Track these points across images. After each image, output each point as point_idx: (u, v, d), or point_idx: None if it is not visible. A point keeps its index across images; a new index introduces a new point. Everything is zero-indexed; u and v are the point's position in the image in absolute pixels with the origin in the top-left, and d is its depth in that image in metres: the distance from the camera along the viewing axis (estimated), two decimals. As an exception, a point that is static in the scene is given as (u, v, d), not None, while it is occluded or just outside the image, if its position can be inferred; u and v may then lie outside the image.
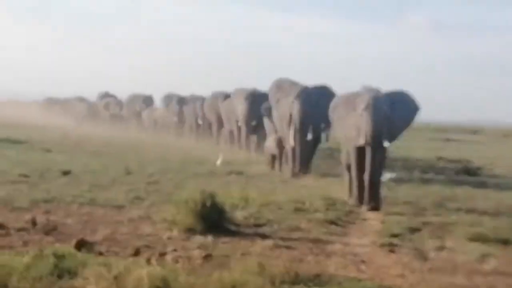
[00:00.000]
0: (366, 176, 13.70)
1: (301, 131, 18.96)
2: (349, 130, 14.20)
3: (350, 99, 14.49)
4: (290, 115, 19.06)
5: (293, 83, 20.05)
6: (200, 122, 33.50)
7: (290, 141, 19.03)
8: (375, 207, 13.40)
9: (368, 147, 13.65)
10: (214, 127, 31.18)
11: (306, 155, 19.25)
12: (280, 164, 19.83)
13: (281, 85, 20.25)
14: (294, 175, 18.61)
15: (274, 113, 20.62)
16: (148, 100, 41.99)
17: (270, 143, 20.34)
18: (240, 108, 25.95)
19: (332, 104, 15.33)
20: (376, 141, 13.59)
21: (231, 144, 28.67)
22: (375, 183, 13.71)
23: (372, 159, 13.66)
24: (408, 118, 14.70)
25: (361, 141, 13.68)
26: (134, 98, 43.40)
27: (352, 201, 14.06)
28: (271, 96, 20.50)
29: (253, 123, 25.40)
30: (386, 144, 13.68)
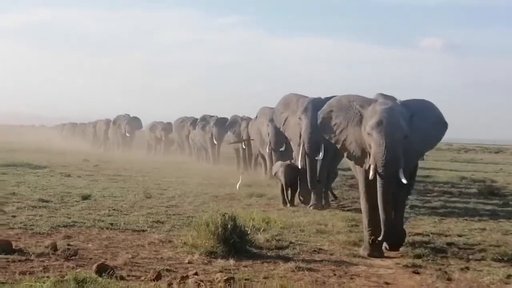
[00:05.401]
0: (381, 214, 10.19)
1: (311, 150, 16.14)
2: (351, 147, 10.86)
3: (353, 105, 10.82)
4: (300, 134, 16.46)
5: (301, 97, 17.09)
6: (244, 146, 29.48)
7: (298, 163, 16.62)
8: (395, 245, 10.68)
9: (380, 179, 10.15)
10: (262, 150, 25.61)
11: (319, 179, 16.43)
12: (288, 193, 16.65)
13: (287, 102, 17.43)
14: (304, 202, 16.55)
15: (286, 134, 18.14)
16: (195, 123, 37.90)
17: (276, 169, 17.17)
18: (266, 130, 23.09)
19: (324, 108, 11.41)
20: (391, 171, 10.01)
21: (255, 167, 27.67)
22: (394, 221, 10.32)
23: (384, 193, 10.11)
24: (433, 136, 11.02)
25: (371, 173, 10.22)
26: (183, 120, 40.62)
27: (363, 250, 10.75)
28: (278, 116, 17.72)
29: (283, 148, 22.09)
30: (403, 180, 9.96)
